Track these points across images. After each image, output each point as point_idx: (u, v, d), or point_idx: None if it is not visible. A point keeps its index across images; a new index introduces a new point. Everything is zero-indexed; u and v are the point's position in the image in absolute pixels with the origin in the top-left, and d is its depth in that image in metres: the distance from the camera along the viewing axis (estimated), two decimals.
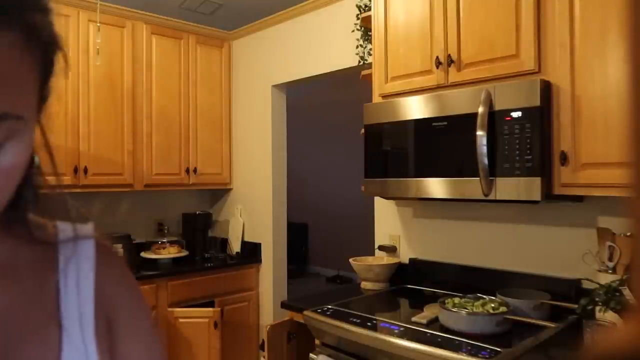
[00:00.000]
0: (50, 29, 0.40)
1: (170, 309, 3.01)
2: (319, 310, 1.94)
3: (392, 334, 1.67)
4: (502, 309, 1.68)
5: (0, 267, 0.48)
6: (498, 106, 1.72)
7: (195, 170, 3.54)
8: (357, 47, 2.60)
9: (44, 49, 0.40)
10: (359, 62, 2.61)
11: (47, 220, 0.53)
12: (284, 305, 2.26)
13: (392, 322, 1.79)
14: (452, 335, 1.61)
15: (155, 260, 3.27)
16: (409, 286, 2.37)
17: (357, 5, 2.57)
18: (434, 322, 1.74)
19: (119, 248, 2.88)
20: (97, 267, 0.53)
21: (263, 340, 2.98)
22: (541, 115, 1.63)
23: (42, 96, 0.43)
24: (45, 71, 0.41)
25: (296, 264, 6.70)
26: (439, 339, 1.58)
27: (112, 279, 0.55)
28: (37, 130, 0.44)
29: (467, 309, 1.69)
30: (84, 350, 0.49)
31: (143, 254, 3.30)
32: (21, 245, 0.50)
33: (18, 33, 0.36)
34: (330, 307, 1.99)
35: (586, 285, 1.77)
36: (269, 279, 3.51)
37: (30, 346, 0.46)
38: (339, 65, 2.96)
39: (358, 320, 1.81)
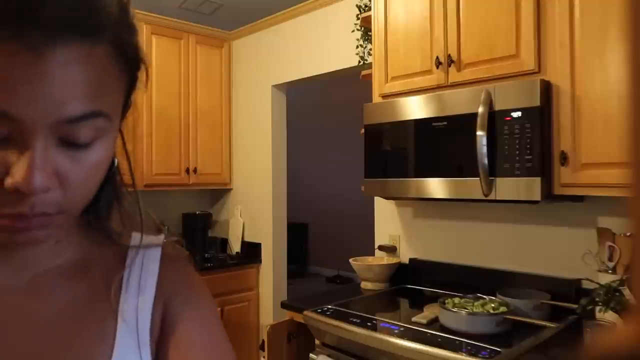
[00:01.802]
0: (137, 46, 0.47)
1: None
2: (319, 310, 1.94)
3: (392, 334, 1.67)
4: (502, 309, 1.68)
5: (73, 265, 0.54)
6: (498, 106, 1.72)
7: (195, 170, 3.54)
8: (357, 47, 2.60)
9: (130, 64, 0.47)
10: (359, 62, 2.61)
11: (124, 230, 0.59)
12: (284, 305, 2.26)
13: (392, 322, 1.79)
14: (452, 335, 1.61)
15: None
16: (409, 286, 2.37)
17: (357, 5, 2.57)
18: (434, 322, 1.74)
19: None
20: (161, 273, 0.58)
21: (263, 340, 2.98)
22: (541, 116, 1.64)
23: (125, 105, 0.50)
24: (129, 83, 0.48)
25: (296, 264, 6.70)
26: (439, 339, 1.58)
27: (173, 279, 0.59)
28: (118, 136, 0.50)
29: (467, 309, 1.69)
30: (137, 344, 0.53)
31: None
32: (95, 248, 0.56)
33: (111, 47, 0.42)
34: (330, 307, 1.99)
35: (586, 285, 1.77)
36: (269, 279, 3.51)
37: (86, 333, 0.51)
38: (339, 65, 2.96)
39: (358, 320, 1.81)
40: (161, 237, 0.61)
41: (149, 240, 0.59)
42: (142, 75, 0.50)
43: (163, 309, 0.56)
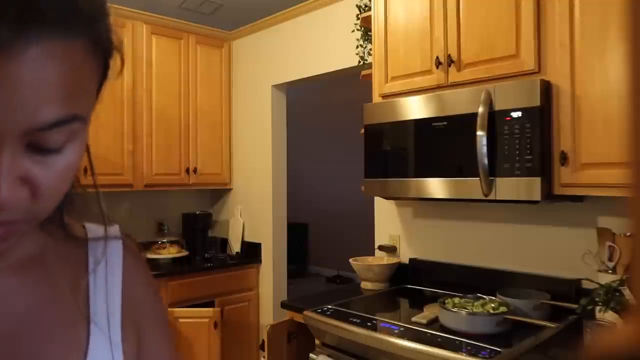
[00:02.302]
0: (110, 33, 0.42)
1: (170, 309, 3.01)
2: (319, 310, 1.94)
3: (392, 334, 1.67)
4: (502, 309, 1.68)
5: (31, 261, 0.50)
6: (498, 106, 1.72)
7: (195, 170, 3.54)
8: (357, 47, 2.60)
9: (105, 55, 0.42)
10: (359, 62, 2.61)
11: (74, 220, 0.55)
12: (284, 305, 2.26)
13: (392, 322, 1.79)
14: (452, 335, 1.61)
15: (156, 260, 3.27)
16: (409, 286, 2.37)
17: (357, 5, 2.57)
18: (434, 322, 1.74)
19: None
20: (125, 267, 0.56)
21: (263, 340, 2.98)
22: (541, 116, 1.63)
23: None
24: (102, 75, 0.43)
25: (296, 264, 6.70)
26: (439, 339, 1.58)
27: (138, 280, 0.57)
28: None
29: (467, 309, 1.69)
30: (109, 347, 0.51)
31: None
32: (52, 242, 0.52)
33: (87, 41, 0.38)
34: (330, 307, 1.99)
35: (586, 285, 1.77)
36: (269, 279, 3.51)
37: (59, 339, 0.48)
38: (339, 65, 2.96)
39: (358, 320, 1.81)
40: (117, 228, 0.58)
41: (108, 232, 0.56)
42: (114, 62, 0.44)
43: (133, 321, 0.55)
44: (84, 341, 0.49)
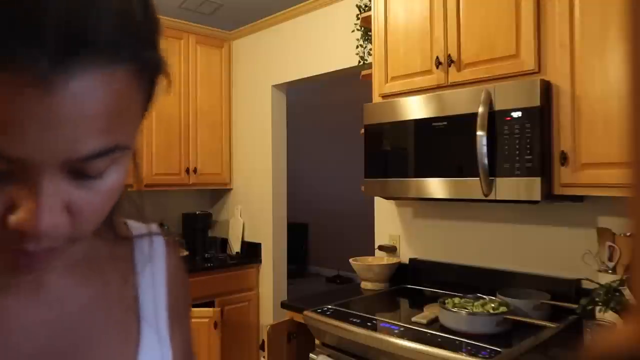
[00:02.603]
0: (158, 54, 0.39)
1: None
2: (319, 310, 1.94)
3: (392, 334, 1.67)
4: (502, 309, 1.68)
5: (83, 261, 0.51)
6: (498, 106, 1.72)
7: (195, 170, 3.54)
8: (357, 47, 2.60)
9: (152, 76, 0.39)
10: (359, 62, 2.61)
11: (116, 217, 0.56)
12: (284, 305, 2.26)
13: (392, 322, 1.79)
14: (452, 335, 1.61)
15: None
16: (409, 286, 2.37)
17: (357, 5, 2.57)
18: (434, 322, 1.74)
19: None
20: (168, 264, 0.58)
21: (263, 340, 2.98)
22: (541, 116, 1.63)
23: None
24: (149, 96, 0.41)
25: (296, 264, 6.70)
26: (439, 339, 1.58)
27: (179, 278, 0.59)
28: None
29: (467, 309, 1.69)
30: (158, 341, 0.52)
31: None
32: (101, 242, 0.52)
33: (134, 65, 0.35)
34: (330, 307, 1.99)
35: (586, 285, 1.77)
36: (269, 279, 3.51)
37: (113, 335, 0.50)
38: (339, 65, 2.96)
39: (358, 320, 1.81)
40: (156, 225, 0.60)
41: (152, 229, 0.58)
42: (162, 80, 0.42)
43: (174, 306, 0.57)
44: (136, 337, 0.51)
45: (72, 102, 0.31)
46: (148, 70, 0.37)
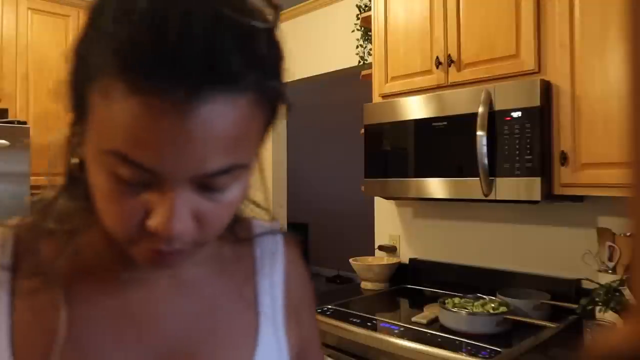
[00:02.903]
0: (279, 83, 0.43)
1: None
2: (319, 310, 1.94)
3: (392, 334, 1.67)
4: (502, 309, 1.68)
5: (212, 257, 0.57)
6: (498, 106, 1.72)
7: None
8: (357, 47, 2.60)
9: (272, 104, 0.44)
10: (359, 62, 2.61)
11: (241, 217, 0.62)
12: None
13: (392, 322, 1.79)
14: (452, 335, 1.61)
15: None
16: (409, 286, 2.37)
17: (357, 5, 2.57)
18: (434, 322, 1.74)
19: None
20: (286, 261, 0.63)
21: None
22: (541, 116, 1.63)
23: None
24: (270, 119, 0.46)
25: None
26: (439, 339, 1.58)
27: (297, 274, 0.64)
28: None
29: (467, 309, 1.69)
30: (275, 335, 0.57)
31: None
32: (225, 242, 0.59)
33: (255, 93, 0.40)
34: (330, 307, 1.99)
35: (586, 285, 1.77)
36: None
37: (234, 323, 0.55)
38: (339, 65, 2.96)
39: (358, 320, 1.81)
40: (278, 223, 0.65)
41: (272, 227, 0.64)
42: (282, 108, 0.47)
43: (292, 302, 0.61)
44: (254, 328, 0.56)
45: (203, 126, 0.37)
46: (268, 98, 0.42)
